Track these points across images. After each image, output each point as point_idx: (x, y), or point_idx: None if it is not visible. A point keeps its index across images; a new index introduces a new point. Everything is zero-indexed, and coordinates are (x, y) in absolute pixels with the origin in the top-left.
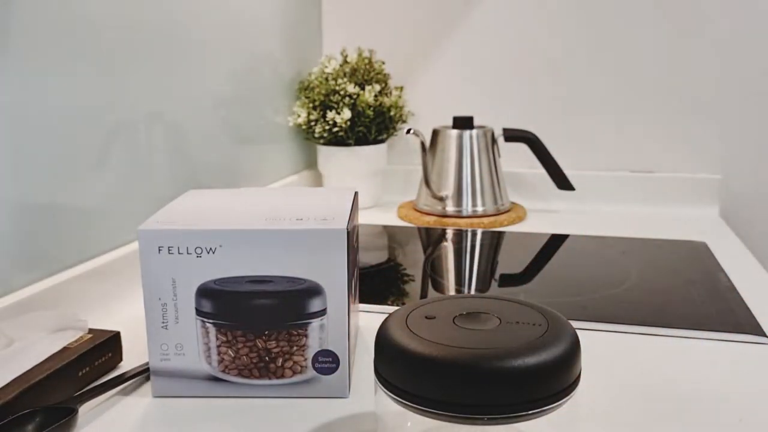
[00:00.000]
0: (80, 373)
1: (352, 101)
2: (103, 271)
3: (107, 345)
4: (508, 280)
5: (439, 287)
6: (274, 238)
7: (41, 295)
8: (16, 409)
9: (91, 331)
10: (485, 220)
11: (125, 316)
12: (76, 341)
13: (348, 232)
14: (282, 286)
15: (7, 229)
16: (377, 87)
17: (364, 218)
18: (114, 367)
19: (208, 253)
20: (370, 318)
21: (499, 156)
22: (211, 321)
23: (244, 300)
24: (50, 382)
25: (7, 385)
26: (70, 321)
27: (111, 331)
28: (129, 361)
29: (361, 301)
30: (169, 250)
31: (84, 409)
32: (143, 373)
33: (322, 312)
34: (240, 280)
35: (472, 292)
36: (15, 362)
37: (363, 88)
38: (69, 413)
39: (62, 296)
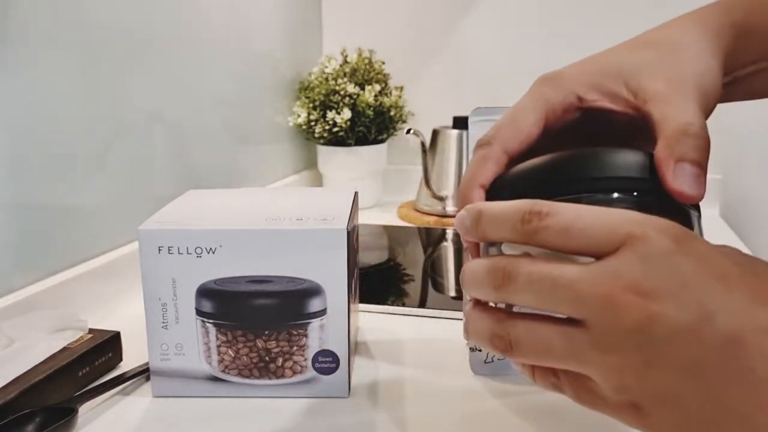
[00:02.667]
0: (80, 373)
1: (352, 101)
2: (103, 271)
3: (107, 345)
4: None
5: (439, 287)
6: (274, 238)
7: (41, 295)
8: (16, 409)
9: (91, 331)
10: None
11: (125, 316)
12: (76, 341)
13: (348, 232)
14: (282, 286)
15: (7, 229)
16: (377, 87)
17: (364, 218)
18: (114, 367)
19: (208, 253)
20: (370, 318)
21: None
22: (211, 321)
23: (244, 300)
24: (50, 382)
25: (7, 385)
26: (70, 321)
27: (111, 331)
28: (129, 361)
29: (361, 301)
30: (169, 250)
31: (84, 409)
32: (143, 373)
33: (322, 312)
34: (240, 280)
35: None
36: (15, 362)
37: (363, 88)
38: (69, 413)
39: (62, 296)
